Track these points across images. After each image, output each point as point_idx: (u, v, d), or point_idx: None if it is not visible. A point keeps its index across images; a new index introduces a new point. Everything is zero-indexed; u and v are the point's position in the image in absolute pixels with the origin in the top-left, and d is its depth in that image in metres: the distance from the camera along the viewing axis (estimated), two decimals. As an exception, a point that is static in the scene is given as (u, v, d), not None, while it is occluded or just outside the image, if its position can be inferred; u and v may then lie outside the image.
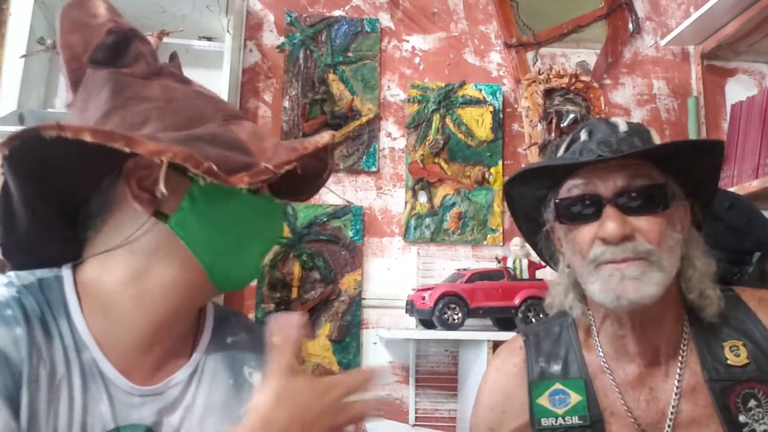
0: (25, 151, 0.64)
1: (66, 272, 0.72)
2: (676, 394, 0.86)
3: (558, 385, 0.90)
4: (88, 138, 0.60)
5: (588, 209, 0.84)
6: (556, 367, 0.92)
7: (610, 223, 0.80)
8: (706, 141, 0.85)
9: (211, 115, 0.73)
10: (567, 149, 0.91)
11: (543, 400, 0.90)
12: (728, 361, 0.84)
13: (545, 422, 0.88)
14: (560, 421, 0.88)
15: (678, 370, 0.86)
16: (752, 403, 0.82)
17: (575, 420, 0.87)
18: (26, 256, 0.75)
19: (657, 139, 0.90)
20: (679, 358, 0.87)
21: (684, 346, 0.88)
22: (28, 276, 0.71)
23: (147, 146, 0.61)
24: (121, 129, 0.69)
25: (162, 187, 0.64)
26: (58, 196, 0.73)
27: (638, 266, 0.81)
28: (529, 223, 0.98)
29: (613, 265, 0.82)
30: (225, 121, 0.73)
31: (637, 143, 0.83)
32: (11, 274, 0.71)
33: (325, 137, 0.76)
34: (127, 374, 0.71)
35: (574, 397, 0.89)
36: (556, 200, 0.89)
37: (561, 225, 0.89)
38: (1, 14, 1.93)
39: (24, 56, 1.84)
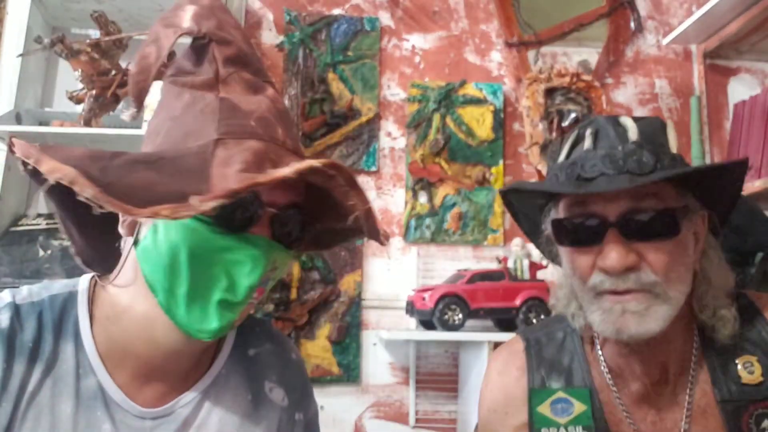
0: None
1: (82, 287, 0.71)
2: (687, 416, 0.80)
3: (561, 394, 0.84)
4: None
5: (589, 233, 0.76)
6: (559, 378, 0.87)
7: (612, 254, 0.73)
8: (729, 164, 0.76)
9: (208, 132, 0.66)
10: (569, 153, 0.83)
11: (544, 409, 0.84)
12: (741, 379, 0.79)
13: None
14: (562, 431, 0.82)
15: (688, 390, 0.81)
16: (765, 423, 0.77)
17: (579, 430, 0.81)
18: (102, 264, 0.73)
19: (673, 139, 0.82)
20: (689, 377, 0.81)
21: (694, 363, 0.82)
22: (41, 292, 0.70)
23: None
24: (146, 138, 0.68)
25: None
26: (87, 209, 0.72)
27: (641, 300, 0.74)
28: (530, 223, 0.93)
29: (614, 296, 0.75)
30: (219, 140, 0.65)
31: (647, 160, 0.74)
32: (24, 290, 0.69)
33: (285, 170, 0.61)
34: (136, 398, 0.68)
35: (578, 407, 0.83)
36: (555, 219, 0.82)
37: (560, 246, 0.83)
38: (-2, 13, 1.91)
39: (21, 55, 1.83)
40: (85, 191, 0.55)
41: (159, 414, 0.69)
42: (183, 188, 0.59)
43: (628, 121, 0.80)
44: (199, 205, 0.57)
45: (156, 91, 0.73)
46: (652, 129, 0.81)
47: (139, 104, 0.71)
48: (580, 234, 0.77)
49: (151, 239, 0.65)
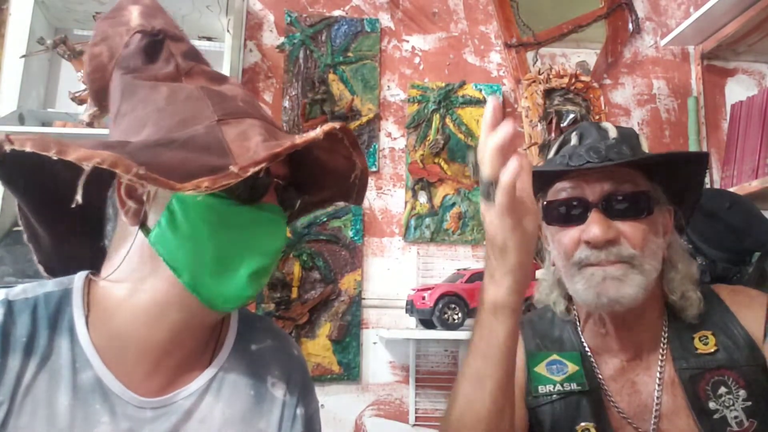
0: (9, 166, 0.64)
1: (77, 284, 0.71)
2: (658, 386, 0.88)
3: (555, 356, 0.92)
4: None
5: (574, 212, 0.87)
6: (552, 346, 0.95)
7: (595, 227, 0.83)
8: (691, 153, 0.89)
9: (207, 115, 0.68)
10: (557, 151, 0.93)
11: (540, 369, 0.92)
12: (697, 350, 0.87)
13: (543, 389, 0.90)
14: (558, 387, 0.90)
15: (659, 364, 0.89)
16: (722, 390, 0.83)
17: (574, 386, 0.89)
18: (68, 271, 0.74)
19: (645, 145, 0.93)
20: (660, 352, 0.90)
21: (664, 341, 0.91)
22: (36, 289, 0.70)
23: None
24: (125, 133, 0.68)
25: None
26: (70, 209, 0.72)
27: (620, 268, 0.84)
28: None
29: (595, 267, 0.85)
30: (220, 120, 0.68)
31: (625, 151, 0.85)
32: (18, 287, 0.70)
33: (317, 131, 0.66)
34: (137, 389, 0.69)
35: (572, 367, 0.91)
36: (544, 202, 0.91)
37: (548, 226, 0.92)
38: (1, 14, 1.93)
39: (24, 56, 1.84)
40: (130, 171, 0.56)
41: (159, 404, 0.69)
42: (210, 163, 0.61)
43: (608, 125, 0.91)
44: (241, 172, 0.60)
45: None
46: (629, 134, 0.92)
47: (100, 103, 0.74)
48: (567, 214, 0.88)
49: (168, 223, 0.66)
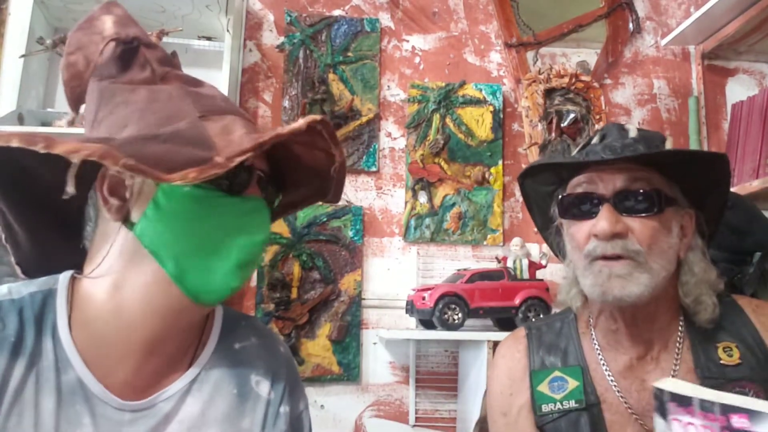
0: None
1: (61, 285, 0.71)
2: None
3: (557, 373, 0.95)
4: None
5: (587, 206, 0.90)
6: (556, 358, 0.98)
7: (603, 221, 0.86)
8: (706, 153, 0.90)
9: (188, 112, 0.70)
10: (582, 149, 0.96)
11: (543, 387, 0.95)
12: (721, 361, 0.88)
13: (545, 408, 0.93)
14: (558, 405, 0.93)
15: (673, 366, 0.91)
16: None
17: (572, 404, 0.92)
18: (45, 272, 0.74)
19: (669, 147, 0.93)
20: (675, 354, 0.91)
21: (679, 343, 0.92)
22: (21, 289, 0.70)
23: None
24: (105, 135, 0.68)
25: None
26: (50, 209, 0.73)
27: (625, 265, 0.86)
28: (542, 217, 1.04)
29: (603, 261, 0.87)
30: (202, 117, 0.69)
31: (640, 149, 0.87)
32: (3, 288, 0.70)
33: (300, 122, 0.67)
34: (117, 391, 0.68)
35: (572, 383, 0.94)
36: (560, 196, 0.94)
37: (563, 220, 0.95)
38: (0, 14, 1.92)
39: (23, 56, 1.84)
40: (118, 163, 0.58)
41: (139, 407, 0.69)
42: (196, 155, 0.63)
43: (632, 127, 0.94)
44: (227, 162, 0.62)
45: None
46: (651, 136, 0.94)
47: (77, 110, 0.75)
48: (580, 207, 0.91)
49: (154, 215, 0.66)
